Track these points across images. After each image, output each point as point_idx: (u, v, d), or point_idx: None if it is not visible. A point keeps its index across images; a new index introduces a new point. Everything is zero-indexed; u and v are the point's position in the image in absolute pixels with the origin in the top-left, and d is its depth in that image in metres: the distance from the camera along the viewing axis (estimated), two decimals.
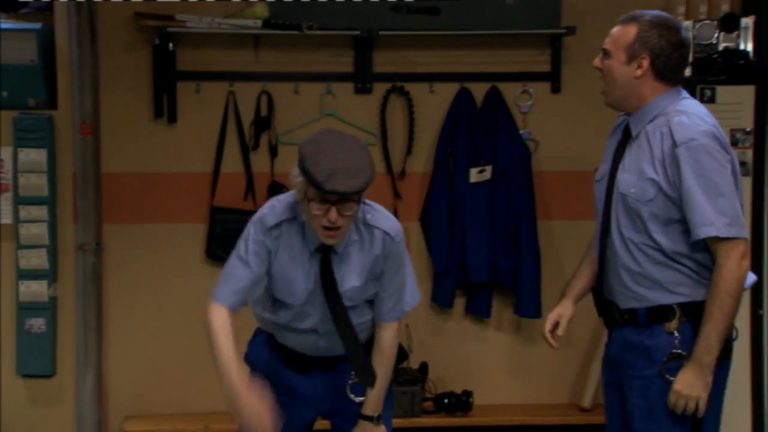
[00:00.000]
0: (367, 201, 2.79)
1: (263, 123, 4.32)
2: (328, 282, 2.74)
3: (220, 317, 2.71)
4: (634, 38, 2.72)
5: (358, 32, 4.21)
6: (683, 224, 2.71)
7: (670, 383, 2.70)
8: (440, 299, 4.36)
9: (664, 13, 2.79)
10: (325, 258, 2.74)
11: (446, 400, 4.27)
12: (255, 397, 2.65)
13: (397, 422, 3.26)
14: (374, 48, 4.32)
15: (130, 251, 4.31)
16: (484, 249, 4.28)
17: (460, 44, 4.33)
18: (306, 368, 2.88)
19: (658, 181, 2.70)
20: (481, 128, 4.32)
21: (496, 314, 4.42)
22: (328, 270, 2.73)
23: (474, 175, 4.30)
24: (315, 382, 2.90)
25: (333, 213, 2.61)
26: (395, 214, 3.50)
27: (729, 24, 4.11)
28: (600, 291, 2.88)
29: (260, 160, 4.32)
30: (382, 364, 2.85)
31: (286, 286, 2.77)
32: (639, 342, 2.76)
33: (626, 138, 2.80)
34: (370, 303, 2.86)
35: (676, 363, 2.70)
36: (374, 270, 2.79)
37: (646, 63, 2.73)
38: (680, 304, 2.73)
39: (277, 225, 2.75)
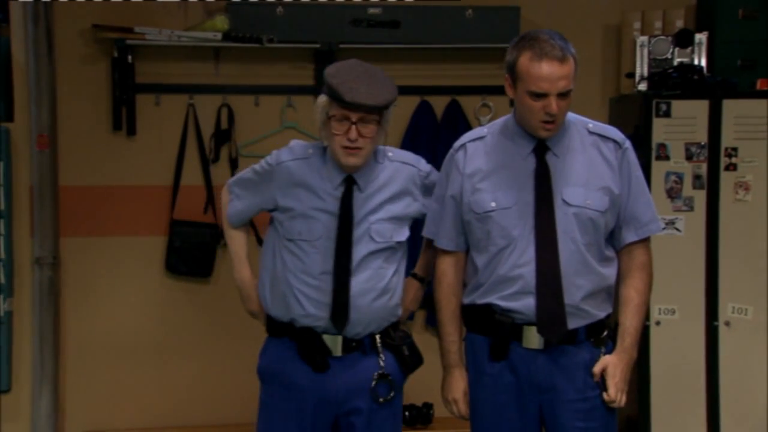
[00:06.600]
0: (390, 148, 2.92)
1: (223, 136, 4.31)
2: (345, 212, 2.78)
3: (236, 240, 2.99)
4: (575, 67, 2.63)
5: (318, 45, 4.23)
6: (611, 232, 2.71)
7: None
8: None
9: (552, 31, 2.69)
10: (348, 190, 2.80)
11: (407, 413, 4.28)
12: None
13: None
14: (335, 61, 4.30)
15: (87, 265, 4.27)
16: None
17: (420, 58, 4.36)
18: (323, 365, 2.79)
19: (608, 186, 2.67)
20: (442, 141, 4.33)
21: None
22: (348, 201, 2.78)
23: None
24: (334, 382, 2.80)
25: (353, 131, 2.71)
26: None
27: (683, 40, 4.18)
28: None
29: (220, 173, 4.30)
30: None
31: (310, 220, 2.79)
32: (579, 362, 2.68)
33: (542, 160, 2.68)
34: (397, 255, 2.83)
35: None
36: (401, 202, 2.82)
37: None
38: (606, 317, 2.73)
39: (294, 159, 2.83)
